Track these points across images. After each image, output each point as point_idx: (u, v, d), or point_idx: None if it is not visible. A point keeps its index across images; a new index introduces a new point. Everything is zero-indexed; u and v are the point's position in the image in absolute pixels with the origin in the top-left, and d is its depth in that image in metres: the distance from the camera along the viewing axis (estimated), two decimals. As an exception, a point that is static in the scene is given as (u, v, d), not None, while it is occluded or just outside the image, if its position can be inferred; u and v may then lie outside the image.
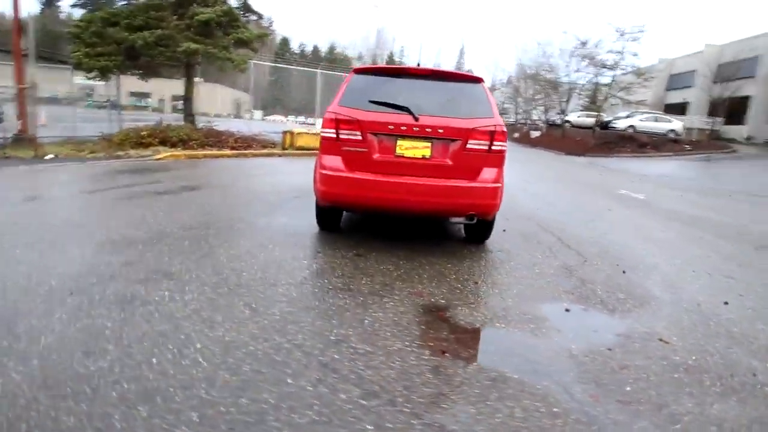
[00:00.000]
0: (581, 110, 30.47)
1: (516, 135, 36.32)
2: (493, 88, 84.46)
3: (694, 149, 23.46)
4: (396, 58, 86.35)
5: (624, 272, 3.95)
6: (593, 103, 27.17)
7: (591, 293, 3.36)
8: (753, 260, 4.80)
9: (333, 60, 62.61)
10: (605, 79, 25.88)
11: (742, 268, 4.39)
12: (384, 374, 2.04)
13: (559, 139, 27.72)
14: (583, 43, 25.83)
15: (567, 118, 31.20)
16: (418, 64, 6.49)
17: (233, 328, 2.37)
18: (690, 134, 27.69)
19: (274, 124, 25.45)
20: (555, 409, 1.88)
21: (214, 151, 11.47)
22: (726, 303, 3.33)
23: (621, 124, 26.79)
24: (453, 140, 3.88)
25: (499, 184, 3.99)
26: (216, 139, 12.46)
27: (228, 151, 11.74)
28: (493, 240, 4.59)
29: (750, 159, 21.29)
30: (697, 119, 29.74)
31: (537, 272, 3.80)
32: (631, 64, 24.10)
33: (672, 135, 25.78)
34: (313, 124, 19.70)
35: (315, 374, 2.00)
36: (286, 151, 13.10)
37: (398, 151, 3.84)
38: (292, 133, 13.62)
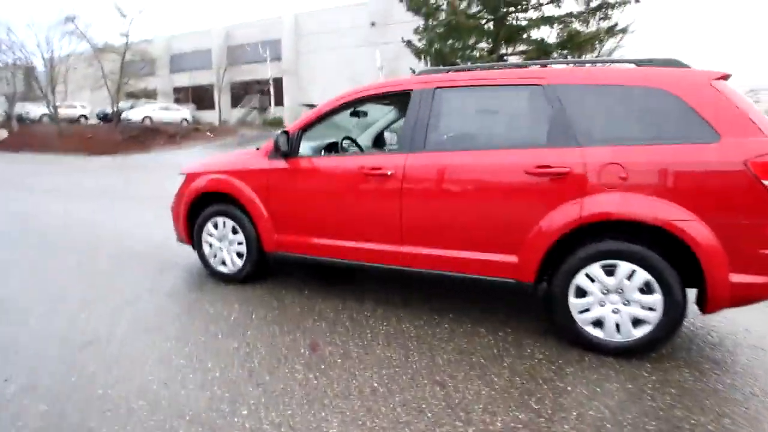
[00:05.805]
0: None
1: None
2: None
3: (217, 136, 23.52)
4: None
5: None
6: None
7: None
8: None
9: None
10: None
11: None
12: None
13: (57, 137, 20.83)
14: (71, 19, 19.68)
15: (45, 112, 23.97)
16: None
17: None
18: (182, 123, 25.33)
19: None
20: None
21: None
22: None
23: (136, 116, 23.25)
24: None
25: None
26: None
27: None
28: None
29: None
30: (188, 107, 29.29)
31: None
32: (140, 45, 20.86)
33: (185, 123, 24.93)
34: None
35: None
36: None
37: None
38: None
